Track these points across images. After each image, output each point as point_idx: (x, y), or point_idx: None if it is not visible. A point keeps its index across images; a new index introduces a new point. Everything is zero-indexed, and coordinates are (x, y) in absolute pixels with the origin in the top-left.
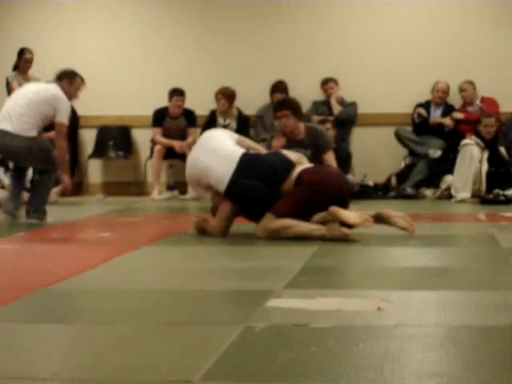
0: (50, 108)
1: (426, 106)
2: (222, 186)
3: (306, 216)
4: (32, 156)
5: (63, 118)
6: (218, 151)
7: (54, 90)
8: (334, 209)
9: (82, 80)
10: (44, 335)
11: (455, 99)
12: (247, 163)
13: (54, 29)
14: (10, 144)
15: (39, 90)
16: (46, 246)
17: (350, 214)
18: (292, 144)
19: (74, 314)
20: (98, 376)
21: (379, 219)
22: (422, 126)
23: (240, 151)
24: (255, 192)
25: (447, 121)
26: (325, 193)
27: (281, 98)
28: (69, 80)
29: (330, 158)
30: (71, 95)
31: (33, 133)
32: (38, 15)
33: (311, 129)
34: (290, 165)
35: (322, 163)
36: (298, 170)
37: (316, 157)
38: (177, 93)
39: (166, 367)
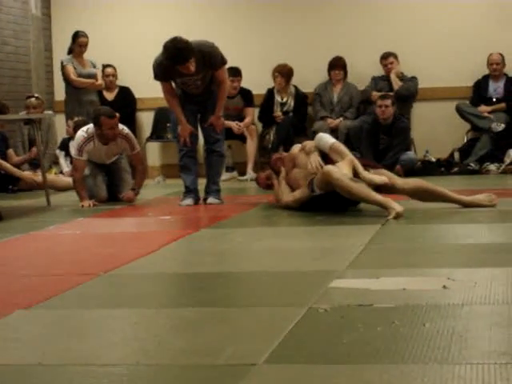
0: None
1: (484, 80)
2: None
3: None
4: None
5: None
6: None
7: None
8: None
9: None
10: (107, 320)
11: None
12: None
13: (109, 12)
14: None
15: None
16: (107, 230)
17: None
18: (180, 75)
19: (136, 299)
20: (161, 361)
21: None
22: (481, 100)
23: None
24: None
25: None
26: None
27: (178, 45)
28: None
29: (220, 74)
30: None
31: None
32: None
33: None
34: None
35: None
36: None
37: (210, 80)
38: (232, 73)
39: (230, 350)
